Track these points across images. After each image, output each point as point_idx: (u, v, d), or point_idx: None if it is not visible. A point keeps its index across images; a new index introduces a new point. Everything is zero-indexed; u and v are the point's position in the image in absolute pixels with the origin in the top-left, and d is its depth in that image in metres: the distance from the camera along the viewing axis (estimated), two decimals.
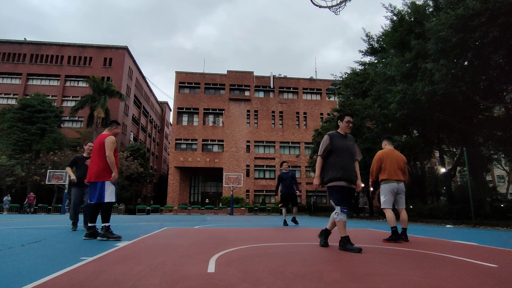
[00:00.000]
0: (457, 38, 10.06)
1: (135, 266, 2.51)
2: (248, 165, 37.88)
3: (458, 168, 21.12)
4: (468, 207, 11.05)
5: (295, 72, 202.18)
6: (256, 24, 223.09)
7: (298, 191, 8.94)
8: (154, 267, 2.50)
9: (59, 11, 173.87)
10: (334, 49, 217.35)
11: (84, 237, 4.61)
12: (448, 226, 10.30)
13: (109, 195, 4.56)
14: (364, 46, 19.40)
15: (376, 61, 18.55)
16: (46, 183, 24.65)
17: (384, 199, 4.63)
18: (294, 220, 9.35)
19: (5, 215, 20.47)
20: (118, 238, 4.45)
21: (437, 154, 22.24)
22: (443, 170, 21.23)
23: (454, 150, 19.22)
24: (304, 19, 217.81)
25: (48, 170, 24.90)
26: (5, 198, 24.78)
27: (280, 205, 9.57)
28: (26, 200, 24.87)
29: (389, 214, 4.57)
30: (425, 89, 10.92)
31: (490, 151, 16.84)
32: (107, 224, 4.56)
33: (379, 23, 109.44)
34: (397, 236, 4.45)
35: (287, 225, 8.82)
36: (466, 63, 11.47)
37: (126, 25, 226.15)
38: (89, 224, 4.70)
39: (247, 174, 37.27)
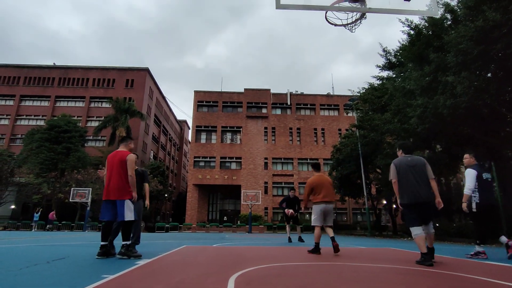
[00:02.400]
0: (478, 50, 9.84)
1: (154, 285, 2.51)
2: (266, 182, 37.67)
3: None
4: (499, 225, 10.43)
5: (307, 87, 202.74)
6: (265, 41, 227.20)
7: (297, 211, 9.91)
8: (173, 285, 2.49)
9: (76, 35, 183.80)
10: (346, 63, 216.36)
11: (97, 257, 4.37)
12: None
13: (129, 213, 4.47)
14: (381, 61, 19.30)
15: (394, 76, 18.36)
16: (70, 200, 25.38)
17: (315, 217, 5.37)
18: (300, 239, 9.91)
19: (34, 232, 21.19)
20: (139, 256, 4.47)
21: (462, 169, 21.37)
22: None
23: (482, 164, 18.39)
24: (313, 35, 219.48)
25: (72, 188, 25.68)
26: (35, 215, 25.36)
27: (285, 222, 10.65)
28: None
29: (318, 231, 5.36)
30: (447, 103, 10.64)
31: None
32: (128, 242, 4.50)
33: (390, 36, 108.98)
34: (319, 250, 5.27)
35: (291, 241, 9.62)
36: (489, 74, 11.15)
37: (139, 46, 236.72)
38: (102, 243, 4.47)
39: (265, 192, 36.99)
